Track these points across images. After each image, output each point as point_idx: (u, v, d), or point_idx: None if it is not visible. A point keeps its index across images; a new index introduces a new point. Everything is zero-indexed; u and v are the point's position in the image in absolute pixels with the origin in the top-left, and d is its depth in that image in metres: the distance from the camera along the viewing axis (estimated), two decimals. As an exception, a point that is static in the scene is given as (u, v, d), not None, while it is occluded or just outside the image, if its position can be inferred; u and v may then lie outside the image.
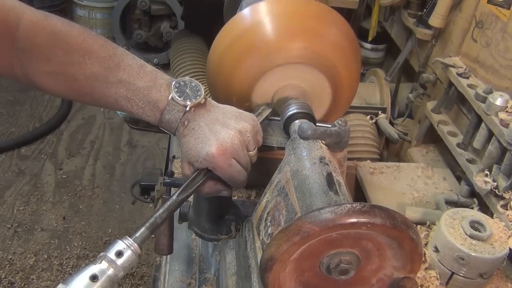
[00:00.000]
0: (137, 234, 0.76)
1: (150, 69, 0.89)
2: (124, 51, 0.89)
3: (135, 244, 0.73)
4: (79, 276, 0.67)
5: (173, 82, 0.88)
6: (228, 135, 0.86)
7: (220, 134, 0.86)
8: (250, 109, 1.06)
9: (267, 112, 1.03)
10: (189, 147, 0.87)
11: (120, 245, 0.72)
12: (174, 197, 0.83)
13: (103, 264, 0.69)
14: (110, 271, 0.69)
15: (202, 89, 0.89)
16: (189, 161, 0.88)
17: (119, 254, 0.71)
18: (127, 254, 0.72)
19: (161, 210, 0.80)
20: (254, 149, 0.91)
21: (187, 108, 0.87)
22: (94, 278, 0.68)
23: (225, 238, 1.01)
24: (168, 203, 0.82)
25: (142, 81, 0.87)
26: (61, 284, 0.66)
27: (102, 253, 0.71)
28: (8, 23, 0.84)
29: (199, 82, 0.90)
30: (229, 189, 0.92)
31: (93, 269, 0.68)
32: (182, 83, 0.88)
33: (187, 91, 0.88)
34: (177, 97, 0.87)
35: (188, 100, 0.87)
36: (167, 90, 0.88)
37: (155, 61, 3.48)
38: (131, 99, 0.87)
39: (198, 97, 0.88)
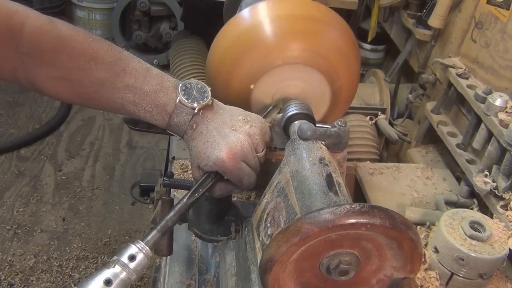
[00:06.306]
0: (149, 238, 0.77)
1: (156, 72, 0.89)
2: (129, 54, 0.89)
3: (147, 248, 0.75)
4: (93, 280, 0.69)
5: (180, 85, 0.88)
6: (238, 139, 0.86)
7: (229, 138, 0.86)
8: (250, 108, 1.06)
9: (275, 112, 1.02)
10: (199, 151, 0.87)
11: (132, 249, 0.73)
12: (185, 200, 0.84)
13: (116, 268, 0.71)
14: (123, 275, 0.71)
15: (209, 91, 0.89)
16: (199, 165, 0.88)
17: (132, 258, 0.73)
18: (139, 257, 0.73)
19: (172, 213, 0.81)
20: (262, 151, 0.91)
21: (195, 111, 0.87)
22: (108, 282, 0.69)
23: (224, 239, 1.00)
24: (179, 205, 0.82)
25: (149, 85, 0.86)
26: None
27: (115, 257, 0.72)
28: (11, 27, 0.83)
29: (200, 83, 0.90)
30: (239, 187, 0.92)
31: (107, 273, 0.70)
32: (188, 85, 0.88)
33: (194, 93, 0.88)
34: (184, 100, 0.86)
35: (195, 102, 0.87)
36: (174, 93, 0.87)
37: (154, 62, 3.47)
38: (138, 104, 0.86)
39: (205, 98, 0.88)
